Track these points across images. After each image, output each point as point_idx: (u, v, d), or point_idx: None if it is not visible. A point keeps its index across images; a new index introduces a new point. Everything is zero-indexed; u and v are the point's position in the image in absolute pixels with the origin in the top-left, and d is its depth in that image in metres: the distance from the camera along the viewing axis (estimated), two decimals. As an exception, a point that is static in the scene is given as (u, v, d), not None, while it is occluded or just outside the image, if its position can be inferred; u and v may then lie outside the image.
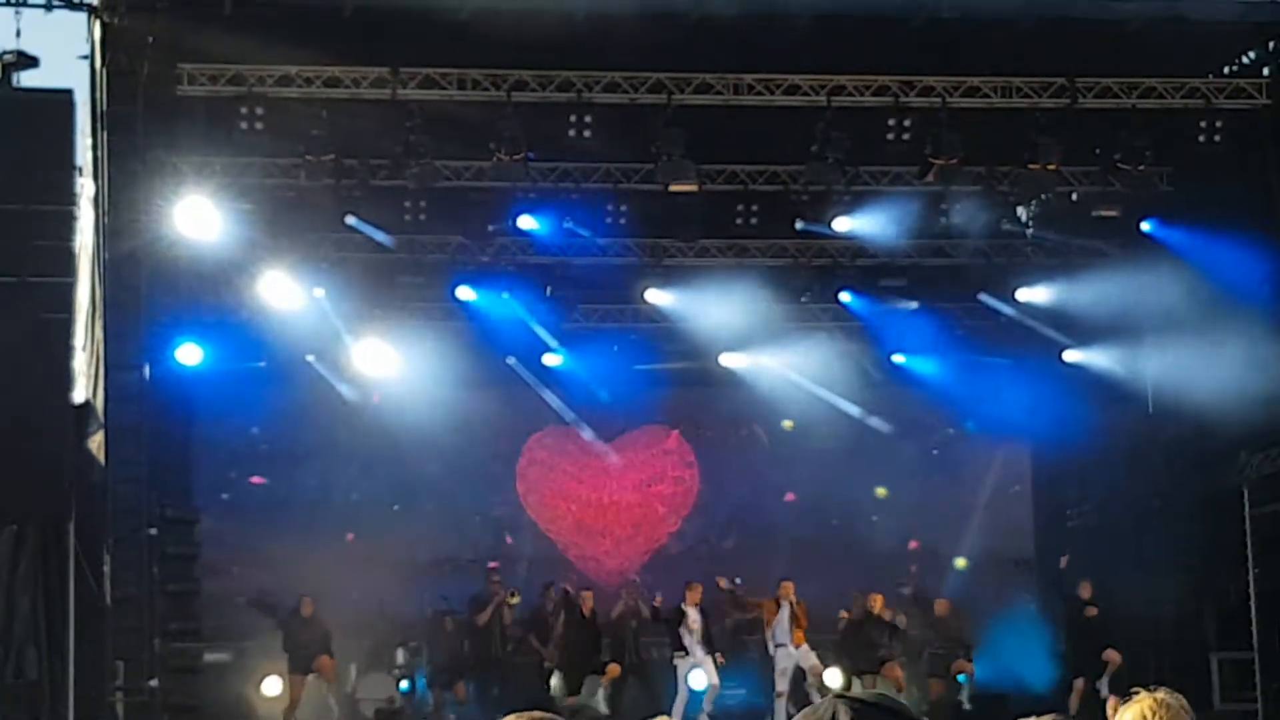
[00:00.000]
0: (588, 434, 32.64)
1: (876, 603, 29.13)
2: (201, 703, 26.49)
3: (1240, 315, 27.86)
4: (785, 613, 27.98)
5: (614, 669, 28.42)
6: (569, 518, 33.25)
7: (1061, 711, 8.12)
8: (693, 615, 28.04)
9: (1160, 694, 6.87)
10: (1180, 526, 30.08)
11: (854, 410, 32.01)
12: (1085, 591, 29.32)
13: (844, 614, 29.60)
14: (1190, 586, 30.25)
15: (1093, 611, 28.91)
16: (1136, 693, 6.88)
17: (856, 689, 25.63)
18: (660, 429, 33.34)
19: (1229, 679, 29.08)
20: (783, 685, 27.74)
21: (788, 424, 33.22)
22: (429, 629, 30.28)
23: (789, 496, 33.57)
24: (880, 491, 33.44)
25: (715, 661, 28.10)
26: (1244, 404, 27.44)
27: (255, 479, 32.38)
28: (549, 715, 5.11)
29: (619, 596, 29.62)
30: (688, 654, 27.76)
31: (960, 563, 32.69)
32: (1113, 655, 28.44)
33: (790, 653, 27.82)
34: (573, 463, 33.19)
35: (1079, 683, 28.46)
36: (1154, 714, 6.78)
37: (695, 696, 28.93)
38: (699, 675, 28.26)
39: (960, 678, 29.84)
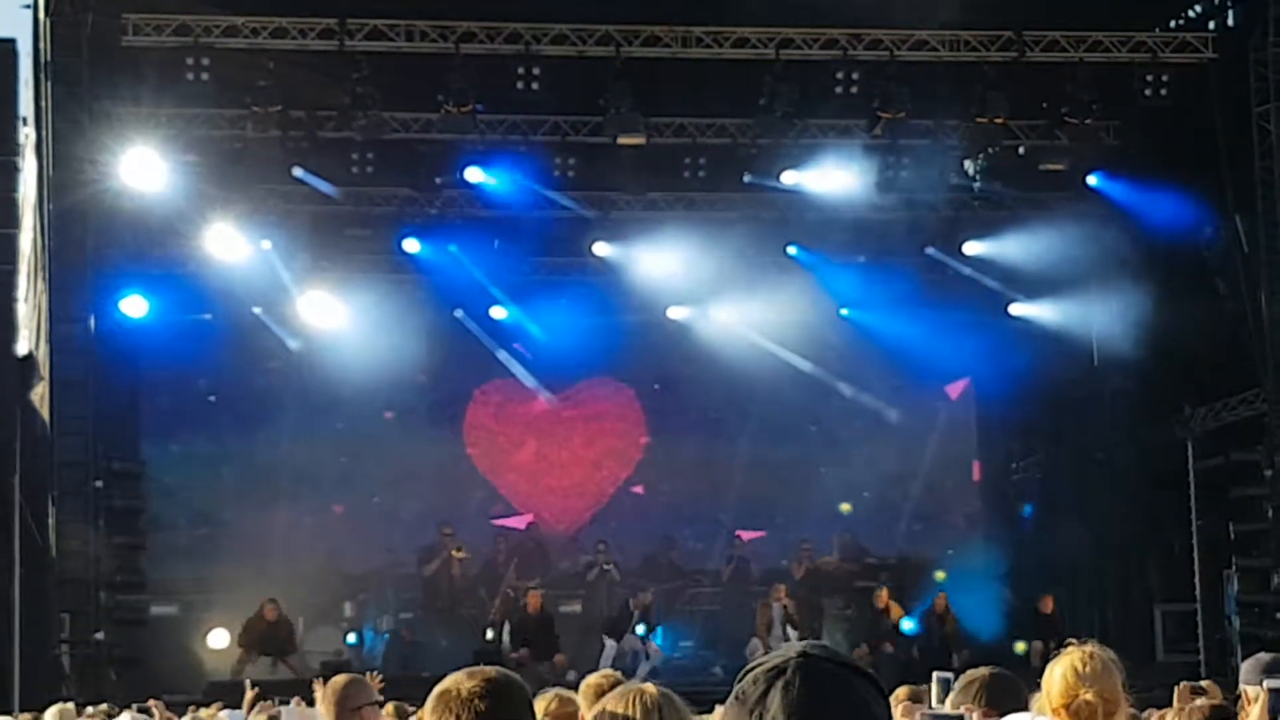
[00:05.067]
0: (535, 387, 32.60)
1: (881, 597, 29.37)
2: (147, 655, 26.47)
3: (1185, 268, 28.01)
4: (778, 613, 28.19)
5: (560, 659, 28.43)
6: (516, 470, 33.21)
7: (1012, 665, 8.21)
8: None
9: (1090, 646, 6.98)
10: (1124, 479, 30.26)
11: (802, 363, 32.01)
12: (1047, 606, 29.21)
13: (796, 565, 29.78)
14: (1134, 539, 30.44)
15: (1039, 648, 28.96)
16: (1070, 644, 6.99)
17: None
18: (608, 382, 33.31)
19: (1172, 630, 29.31)
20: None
21: (845, 507, 33.35)
22: (376, 581, 30.33)
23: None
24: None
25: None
26: (1188, 358, 27.64)
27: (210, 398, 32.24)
28: (503, 670, 5.13)
29: (592, 559, 29.90)
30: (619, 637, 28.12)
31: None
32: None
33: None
34: (520, 416, 33.13)
35: (1037, 645, 28.36)
36: (1084, 665, 6.90)
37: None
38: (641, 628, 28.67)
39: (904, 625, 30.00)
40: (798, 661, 3.51)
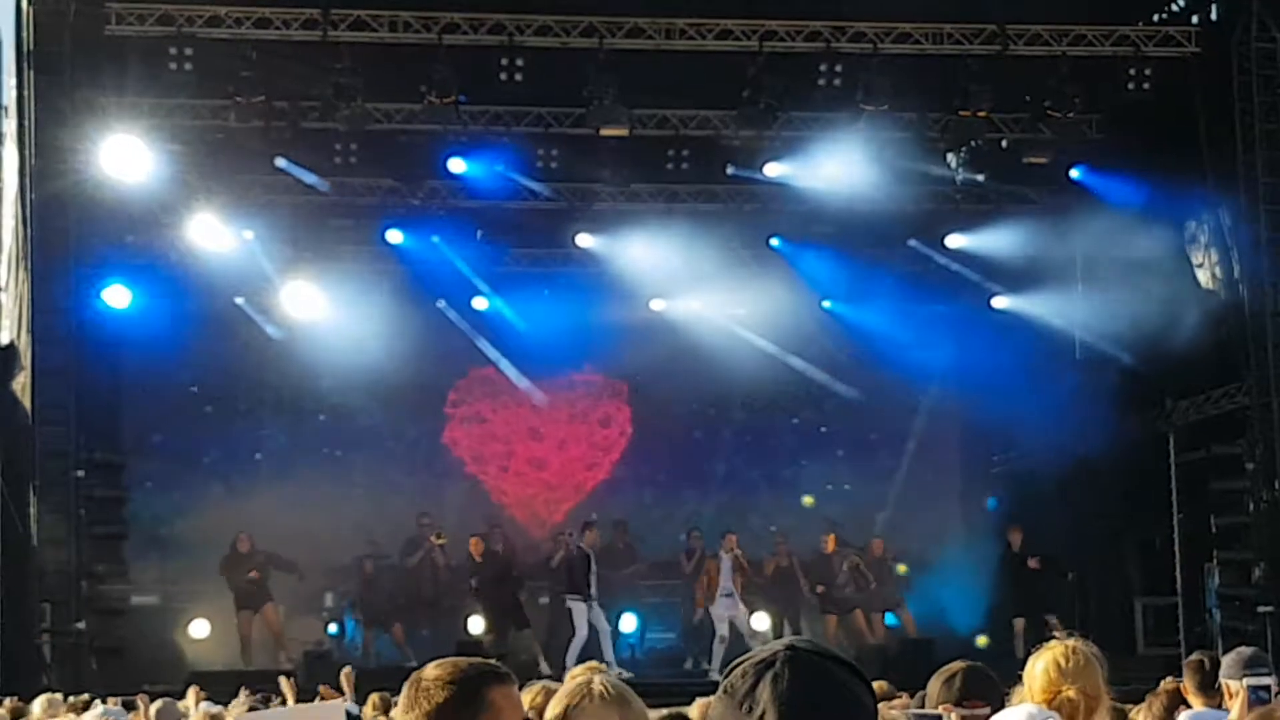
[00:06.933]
0: (517, 378, 32.61)
1: (829, 543, 29.52)
2: (128, 645, 26.45)
3: (1168, 262, 28.06)
4: (728, 564, 28.22)
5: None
6: (497, 461, 33.22)
7: (987, 658, 8.26)
8: (592, 559, 28.34)
9: (1073, 641, 7.01)
10: (1105, 473, 30.30)
11: (784, 355, 32.03)
12: (1015, 540, 29.40)
13: (770, 560, 29.74)
14: (1115, 532, 30.52)
15: (1035, 564, 28.96)
16: (1052, 638, 7.03)
17: (788, 634, 25.88)
18: (590, 373, 33.33)
19: (1152, 623, 29.40)
20: (724, 630, 27.89)
21: (808, 500, 33.44)
22: (358, 572, 30.32)
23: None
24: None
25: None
26: (1170, 351, 27.67)
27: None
28: (473, 661, 5.14)
29: (557, 545, 29.57)
30: (587, 598, 27.86)
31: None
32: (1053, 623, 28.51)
33: (735, 601, 28.04)
34: (502, 407, 33.15)
35: (1019, 623, 28.36)
36: (1067, 661, 6.93)
37: (624, 638, 29.25)
38: (629, 618, 28.64)
39: (887, 617, 30.12)
40: (786, 654, 3.54)
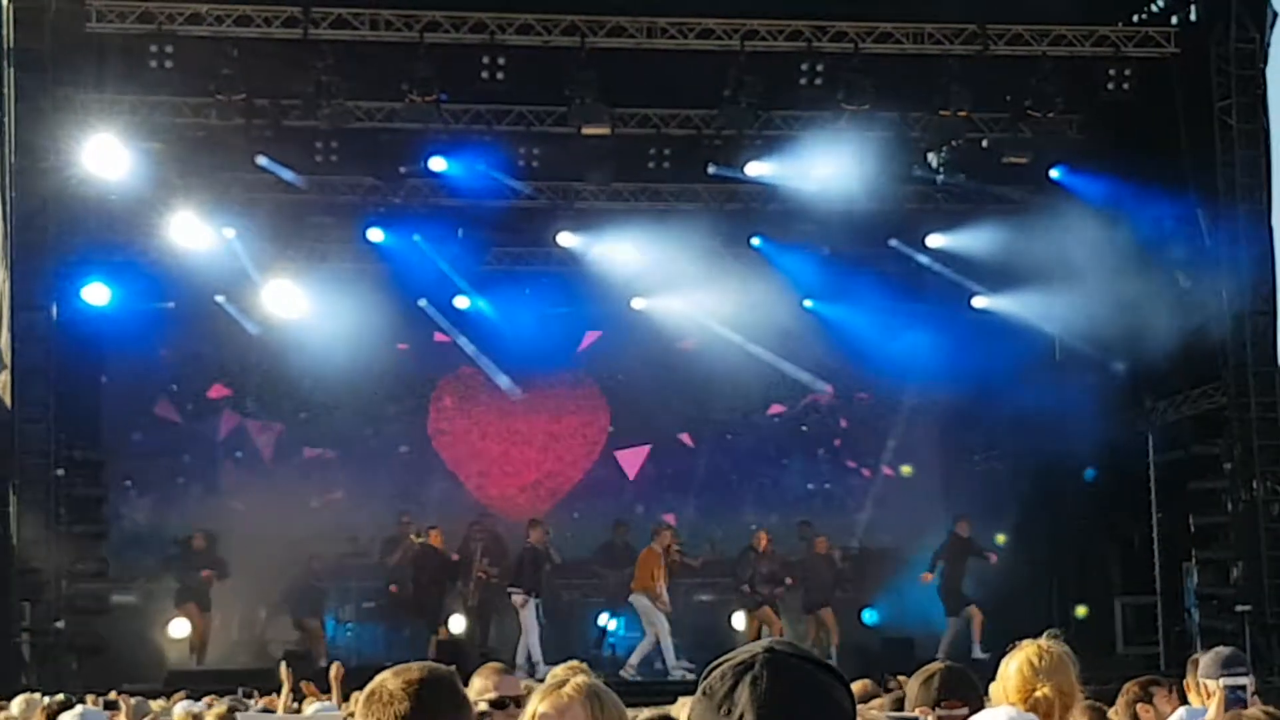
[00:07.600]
0: (498, 377, 32.59)
1: (761, 540, 29.38)
2: (108, 644, 26.39)
3: (1147, 262, 28.11)
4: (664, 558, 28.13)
5: None
6: (479, 459, 33.19)
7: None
8: (542, 556, 28.33)
9: (1044, 641, 7.04)
10: (1085, 472, 30.35)
11: (765, 354, 32.04)
12: (963, 530, 29.40)
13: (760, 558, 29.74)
14: (1095, 531, 30.56)
15: (993, 558, 29.11)
16: (1022, 640, 7.06)
17: (767, 635, 25.83)
18: (571, 372, 33.32)
19: (1132, 622, 29.44)
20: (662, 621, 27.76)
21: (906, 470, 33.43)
22: (339, 571, 30.30)
23: (685, 438, 33.53)
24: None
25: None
26: (1149, 351, 27.73)
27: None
28: (433, 667, 5.14)
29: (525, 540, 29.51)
30: (529, 593, 27.76)
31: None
32: (974, 612, 28.45)
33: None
34: (483, 405, 33.12)
35: (973, 609, 28.43)
36: (1039, 660, 6.96)
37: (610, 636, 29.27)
38: (604, 617, 28.59)
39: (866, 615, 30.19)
40: (765, 657, 3.55)
